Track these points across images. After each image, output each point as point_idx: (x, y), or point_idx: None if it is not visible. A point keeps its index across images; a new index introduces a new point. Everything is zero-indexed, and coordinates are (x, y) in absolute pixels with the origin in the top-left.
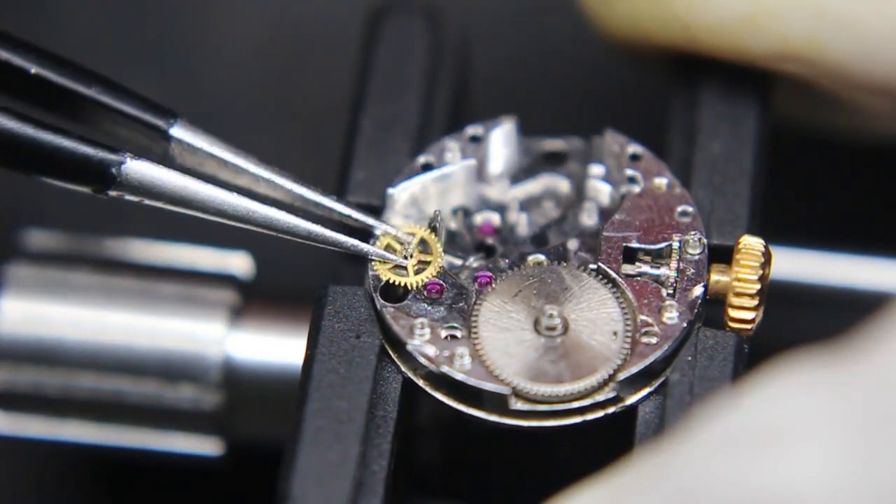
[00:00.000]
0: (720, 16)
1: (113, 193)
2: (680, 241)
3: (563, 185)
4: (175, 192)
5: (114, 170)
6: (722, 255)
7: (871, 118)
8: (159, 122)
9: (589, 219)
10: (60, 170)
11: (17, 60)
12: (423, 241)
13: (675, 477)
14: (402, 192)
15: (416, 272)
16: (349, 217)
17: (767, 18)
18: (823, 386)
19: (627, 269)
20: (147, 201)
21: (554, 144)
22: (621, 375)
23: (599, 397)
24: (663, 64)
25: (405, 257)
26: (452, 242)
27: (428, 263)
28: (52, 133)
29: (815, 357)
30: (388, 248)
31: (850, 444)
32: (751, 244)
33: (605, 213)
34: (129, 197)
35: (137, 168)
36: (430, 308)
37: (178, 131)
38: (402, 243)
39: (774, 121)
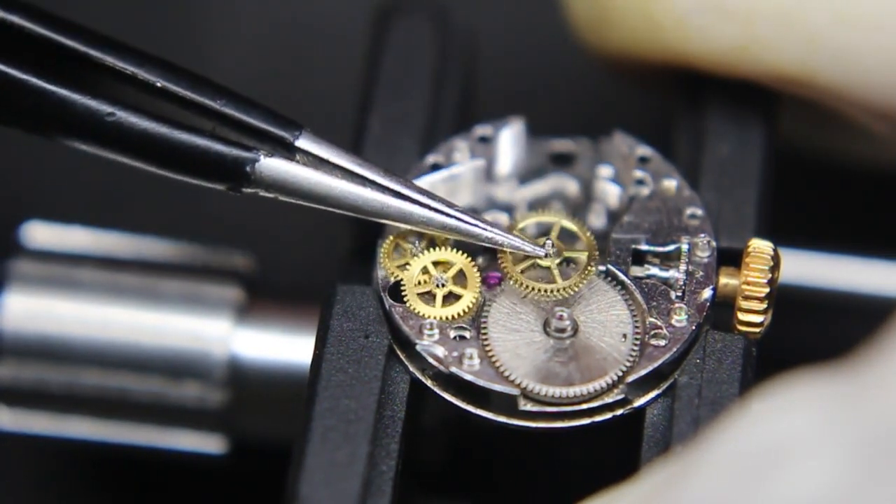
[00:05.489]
0: (713, 45)
1: (247, 191)
2: (689, 244)
3: (571, 186)
4: (310, 188)
5: (248, 168)
6: (731, 258)
7: (875, 142)
8: (285, 134)
9: (597, 220)
10: (195, 168)
11: (144, 74)
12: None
13: (681, 499)
14: None
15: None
16: (478, 228)
17: (760, 47)
18: (828, 402)
19: (636, 271)
20: (282, 198)
21: (562, 145)
22: (630, 378)
23: (608, 399)
24: (661, 82)
25: (546, 255)
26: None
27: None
28: (186, 132)
29: (819, 372)
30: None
31: (854, 461)
32: (760, 247)
33: (613, 215)
34: (263, 193)
35: (271, 165)
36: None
37: (304, 143)
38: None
39: (783, 145)
